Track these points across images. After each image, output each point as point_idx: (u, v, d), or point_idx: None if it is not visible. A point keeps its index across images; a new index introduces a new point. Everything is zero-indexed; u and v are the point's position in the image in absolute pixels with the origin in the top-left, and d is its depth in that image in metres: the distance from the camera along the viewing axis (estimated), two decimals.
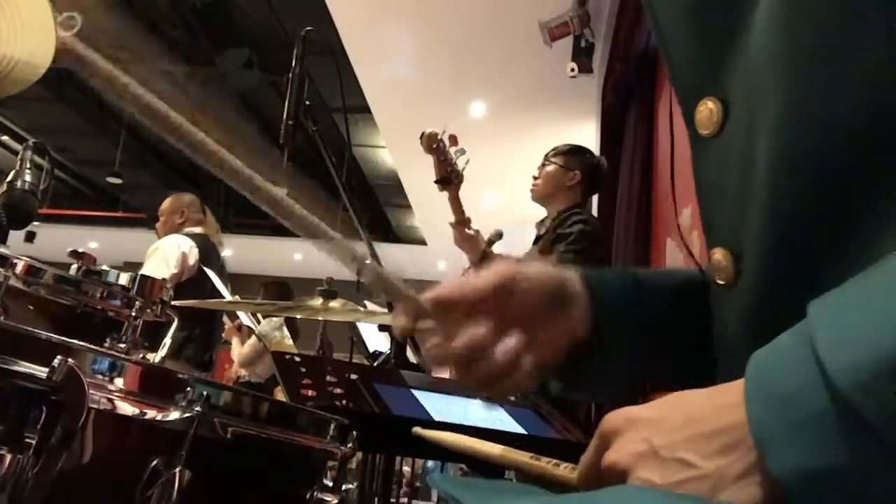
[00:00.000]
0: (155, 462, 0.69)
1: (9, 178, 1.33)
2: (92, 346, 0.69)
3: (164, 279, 1.37)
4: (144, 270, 3.20)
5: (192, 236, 3.70)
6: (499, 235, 2.94)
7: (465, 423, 1.30)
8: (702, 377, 0.58)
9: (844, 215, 0.46)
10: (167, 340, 1.45)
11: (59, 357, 0.62)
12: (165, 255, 3.51)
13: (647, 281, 0.73)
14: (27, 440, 0.61)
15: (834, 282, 0.40)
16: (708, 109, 0.56)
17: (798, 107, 0.47)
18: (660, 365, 0.74)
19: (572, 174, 2.78)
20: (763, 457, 0.38)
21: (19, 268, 1.10)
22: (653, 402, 0.48)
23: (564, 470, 0.57)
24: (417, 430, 0.77)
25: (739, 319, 0.55)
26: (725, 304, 0.57)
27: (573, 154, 2.84)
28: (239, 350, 4.86)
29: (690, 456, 0.42)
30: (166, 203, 3.93)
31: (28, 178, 1.33)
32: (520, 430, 1.35)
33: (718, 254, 0.56)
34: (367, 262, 0.62)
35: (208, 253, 3.70)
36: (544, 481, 0.59)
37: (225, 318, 4.86)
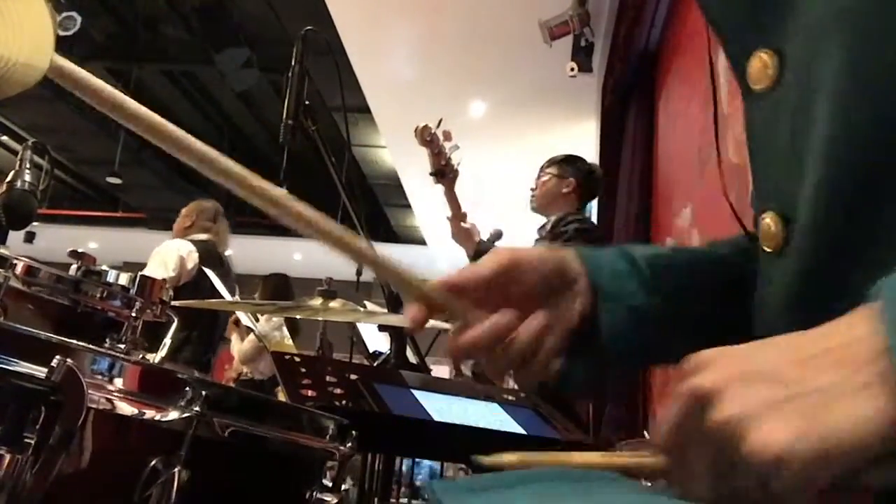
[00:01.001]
0: (154, 462, 0.69)
1: (8, 179, 1.33)
2: (91, 347, 0.69)
3: (163, 280, 1.37)
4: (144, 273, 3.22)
5: (195, 242, 3.76)
6: (498, 235, 3.00)
7: (465, 423, 1.30)
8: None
9: None
10: (167, 341, 1.45)
11: (57, 357, 0.62)
12: (164, 258, 3.58)
13: (651, 258, 0.70)
14: (26, 440, 0.61)
15: (892, 249, 0.36)
16: (762, 62, 0.53)
17: (861, 59, 0.45)
18: (657, 345, 0.69)
19: (567, 182, 2.90)
20: None
21: (19, 268, 1.10)
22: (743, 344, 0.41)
23: (647, 459, 0.49)
24: (479, 458, 0.60)
25: (785, 289, 0.51)
26: (771, 273, 0.54)
27: (567, 163, 2.97)
28: (238, 346, 4.85)
29: (798, 371, 0.36)
30: (187, 207, 4.04)
31: (28, 177, 1.33)
32: (520, 430, 1.35)
33: (768, 218, 0.53)
34: (373, 256, 0.64)
35: (210, 259, 3.73)
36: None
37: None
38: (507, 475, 0.50)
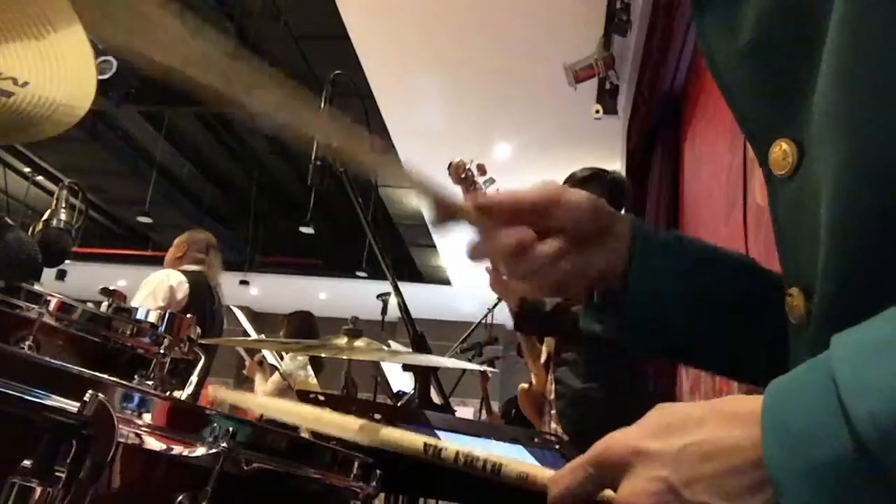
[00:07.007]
0: (180, 497, 0.70)
1: (45, 217, 1.36)
2: (122, 382, 0.70)
3: (190, 317, 1.39)
4: (133, 303, 3.24)
5: (186, 273, 3.77)
6: None
7: None
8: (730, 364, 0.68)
9: None
10: (194, 378, 1.46)
11: (90, 392, 0.63)
12: (153, 288, 3.60)
13: (700, 251, 0.72)
14: (57, 473, 0.61)
15: None
16: (782, 151, 0.55)
17: (857, 155, 0.47)
18: (674, 332, 0.71)
19: None
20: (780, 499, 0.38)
21: (53, 305, 1.12)
22: (651, 425, 0.46)
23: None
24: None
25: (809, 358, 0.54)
26: (798, 345, 0.56)
27: (593, 180, 2.76)
28: (262, 388, 4.83)
29: (713, 499, 0.41)
30: (179, 238, 4.06)
31: (63, 216, 1.37)
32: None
33: (793, 292, 0.56)
34: (394, 163, 0.67)
35: (200, 290, 3.75)
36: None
37: (245, 355, 4.88)
38: None
